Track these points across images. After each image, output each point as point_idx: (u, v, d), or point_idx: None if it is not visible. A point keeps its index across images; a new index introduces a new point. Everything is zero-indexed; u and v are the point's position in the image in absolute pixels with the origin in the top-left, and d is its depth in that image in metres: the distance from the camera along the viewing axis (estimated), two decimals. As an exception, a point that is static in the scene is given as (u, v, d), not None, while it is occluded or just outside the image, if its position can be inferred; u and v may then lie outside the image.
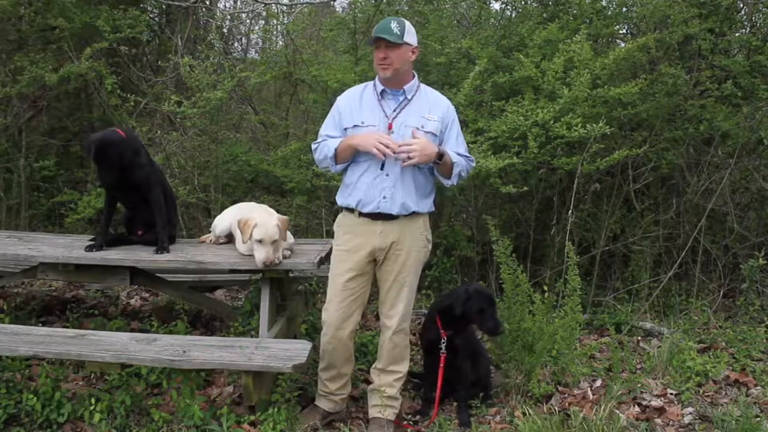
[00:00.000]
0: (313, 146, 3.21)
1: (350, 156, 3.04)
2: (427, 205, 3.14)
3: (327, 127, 3.16)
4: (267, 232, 3.29)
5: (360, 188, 3.04)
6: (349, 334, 3.16)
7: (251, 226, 3.31)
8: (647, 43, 4.53)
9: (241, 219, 3.39)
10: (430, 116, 3.03)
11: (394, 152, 2.89)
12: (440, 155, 2.96)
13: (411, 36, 2.99)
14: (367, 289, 3.17)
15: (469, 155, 3.20)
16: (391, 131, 2.99)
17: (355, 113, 3.06)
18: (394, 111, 3.02)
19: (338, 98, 3.19)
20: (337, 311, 3.13)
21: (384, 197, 3.00)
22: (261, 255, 3.30)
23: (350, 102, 3.11)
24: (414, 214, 3.08)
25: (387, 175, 2.99)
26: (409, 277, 3.13)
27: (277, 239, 3.32)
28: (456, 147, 3.12)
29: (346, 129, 3.08)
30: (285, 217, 3.51)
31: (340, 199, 3.16)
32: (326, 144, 3.10)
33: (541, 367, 3.67)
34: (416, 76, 3.10)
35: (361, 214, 3.07)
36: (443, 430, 3.21)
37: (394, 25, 2.94)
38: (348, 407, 3.40)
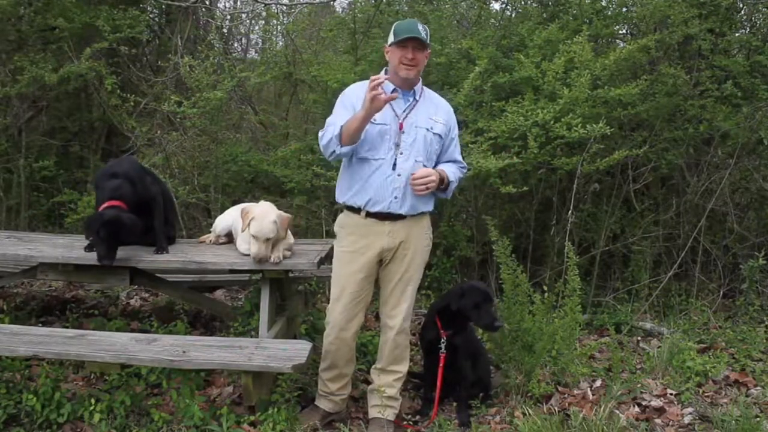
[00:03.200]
0: (320, 133, 3.06)
1: (356, 134, 2.88)
2: (431, 204, 3.17)
3: (339, 115, 3.00)
4: (261, 229, 3.26)
5: (370, 187, 3.00)
6: (352, 335, 3.17)
7: (249, 218, 3.30)
8: (647, 44, 4.53)
9: (244, 207, 3.41)
10: (437, 118, 3.07)
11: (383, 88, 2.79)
12: (441, 180, 3.02)
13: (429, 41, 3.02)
14: (371, 290, 3.18)
15: (462, 162, 3.25)
16: (402, 131, 2.99)
17: None
18: (404, 111, 3.02)
19: (348, 90, 3.11)
20: (342, 312, 3.12)
21: (395, 197, 2.99)
22: (254, 250, 3.29)
23: (360, 96, 3.00)
24: (420, 213, 3.10)
25: (399, 175, 2.97)
26: (414, 275, 3.15)
27: (272, 237, 3.29)
28: (453, 153, 3.18)
29: None
30: (286, 214, 3.45)
31: (343, 197, 3.10)
32: (332, 125, 2.97)
33: (541, 367, 3.67)
34: (420, 78, 3.13)
35: (368, 215, 3.04)
36: (443, 430, 3.21)
37: (420, 27, 2.95)
38: (348, 407, 3.40)
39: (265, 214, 3.30)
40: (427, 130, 3.02)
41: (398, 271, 3.11)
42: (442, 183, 3.04)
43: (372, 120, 2.93)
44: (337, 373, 3.22)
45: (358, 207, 3.05)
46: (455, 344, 3.34)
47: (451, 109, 3.19)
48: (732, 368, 3.95)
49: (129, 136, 5.34)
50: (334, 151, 2.97)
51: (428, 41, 2.98)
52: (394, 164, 2.97)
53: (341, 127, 2.90)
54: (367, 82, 3.08)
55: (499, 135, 4.30)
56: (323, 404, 3.28)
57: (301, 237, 4.58)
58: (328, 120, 3.05)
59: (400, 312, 3.14)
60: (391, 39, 2.98)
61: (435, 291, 4.81)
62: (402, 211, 3.02)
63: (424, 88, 3.15)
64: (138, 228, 3.40)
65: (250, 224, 3.29)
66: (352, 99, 3.02)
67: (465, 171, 3.28)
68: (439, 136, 3.06)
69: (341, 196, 3.13)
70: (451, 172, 3.11)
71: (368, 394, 3.30)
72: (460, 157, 3.22)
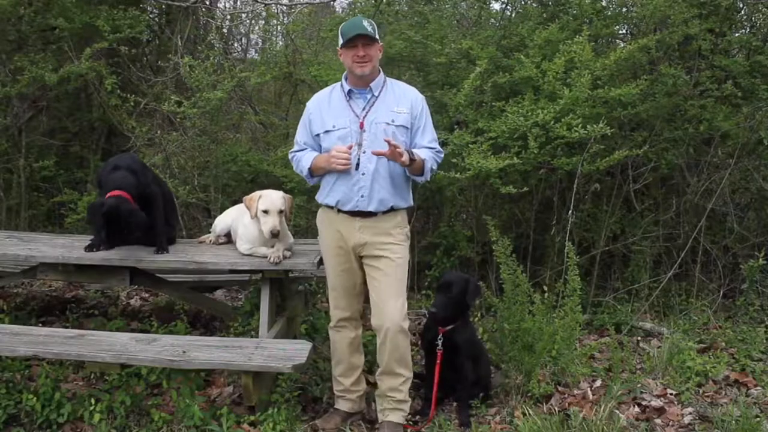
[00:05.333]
0: (290, 155, 3.30)
1: (325, 172, 3.10)
2: (404, 199, 3.15)
3: (300, 133, 3.22)
4: (272, 201, 3.37)
5: (338, 189, 3.07)
6: (351, 325, 3.21)
7: (256, 199, 3.38)
8: (647, 44, 4.53)
9: (245, 198, 3.45)
10: (399, 109, 3.06)
11: (351, 163, 2.96)
12: (411, 153, 2.97)
13: (377, 34, 3.05)
14: (359, 282, 3.18)
15: (436, 147, 3.16)
16: (363, 130, 3.02)
17: (326, 117, 3.09)
18: (363, 110, 3.05)
19: (308, 103, 3.23)
20: (334, 302, 3.22)
21: (362, 196, 3.03)
22: (267, 225, 3.33)
23: (319, 106, 3.14)
24: (392, 210, 3.10)
25: (363, 174, 3.01)
26: (394, 274, 3.10)
27: (283, 210, 3.39)
28: (422, 138, 3.11)
29: (317, 135, 3.12)
30: (289, 195, 3.57)
31: (320, 197, 3.20)
32: (299, 161, 3.19)
33: (541, 367, 3.67)
34: (381, 71, 3.13)
35: (340, 211, 3.11)
36: (443, 430, 3.21)
37: (366, 23, 2.98)
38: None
39: (270, 191, 3.43)
40: (388, 123, 3.02)
41: (377, 270, 3.10)
42: (413, 161, 2.95)
43: (331, 127, 3.07)
44: (346, 366, 3.25)
45: (331, 206, 3.13)
46: (455, 342, 3.33)
47: (418, 97, 3.14)
48: (732, 368, 3.94)
49: (129, 136, 5.34)
50: (305, 178, 3.25)
51: (375, 35, 2.99)
52: (358, 164, 3.00)
53: (309, 169, 3.13)
54: (327, 89, 3.23)
55: (499, 135, 4.30)
56: (342, 405, 3.29)
57: (301, 237, 4.58)
58: (296, 137, 3.25)
59: (386, 313, 3.07)
60: (340, 42, 3.03)
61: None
62: (371, 209, 3.04)
63: (388, 80, 3.15)
64: (139, 219, 3.38)
65: (260, 202, 3.36)
66: (310, 114, 3.17)
67: (441, 155, 3.20)
68: (404, 126, 3.05)
69: (318, 197, 3.22)
70: (425, 154, 3.06)
71: (376, 398, 3.26)
72: (433, 144, 3.14)
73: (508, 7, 5.66)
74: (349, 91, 3.08)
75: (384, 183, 3.04)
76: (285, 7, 6.22)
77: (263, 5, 5.96)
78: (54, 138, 6.01)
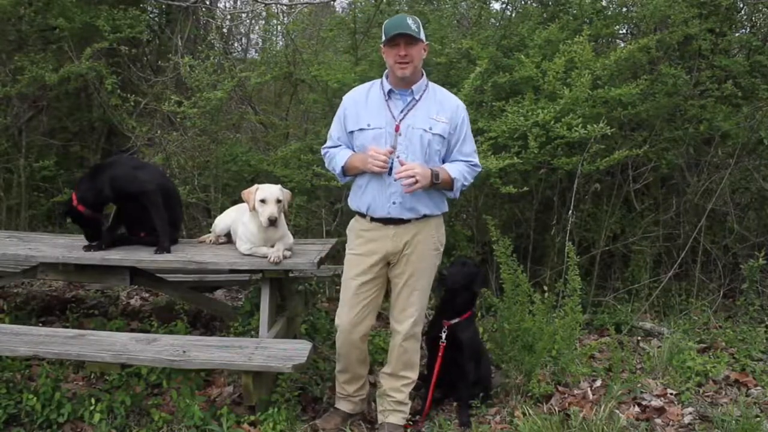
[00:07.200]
0: (323, 151, 3.20)
1: (358, 172, 3.03)
2: (438, 207, 3.08)
3: (335, 128, 3.13)
4: (270, 190, 3.39)
5: (369, 193, 3.00)
6: (361, 338, 3.14)
7: (253, 191, 3.40)
8: (647, 44, 4.54)
9: (244, 192, 3.47)
10: (438, 117, 2.96)
11: (388, 166, 2.89)
12: (436, 175, 2.90)
13: (423, 33, 2.96)
14: (380, 294, 3.14)
15: (473, 160, 3.09)
16: (398, 133, 2.94)
17: (361, 115, 3.00)
18: (402, 112, 2.96)
19: (344, 98, 3.13)
20: (348, 315, 3.09)
21: (393, 202, 2.96)
22: (265, 213, 3.34)
23: (356, 103, 3.05)
24: (425, 216, 3.03)
25: (395, 179, 2.91)
26: (420, 281, 3.08)
27: (281, 200, 3.40)
28: (459, 151, 3.03)
29: (351, 132, 3.03)
30: (288, 191, 3.58)
31: (352, 203, 3.12)
32: (333, 158, 3.09)
33: (541, 367, 3.68)
34: (424, 74, 3.05)
35: (372, 219, 3.03)
36: (443, 430, 3.21)
37: (410, 21, 2.89)
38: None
39: (267, 184, 3.47)
40: (425, 130, 2.93)
41: (403, 275, 3.06)
42: (438, 179, 2.90)
43: (366, 125, 2.98)
44: (352, 375, 3.23)
45: (363, 212, 3.06)
46: (459, 338, 3.32)
47: (460, 106, 3.06)
48: (732, 368, 3.94)
49: (129, 136, 5.35)
50: (337, 177, 3.17)
51: (420, 34, 2.89)
52: (391, 168, 2.90)
53: (342, 167, 3.05)
54: (366, 85, 3.13)
55: (499, 135, 4.30)
56: (343, 406, 3.28)
57: (301, 237, 4.59)
58: (330, 131, 3.16)
59: (407, 317, 3.08)
60: (382, 39, 2.95)
61: (435, 291, 4.79)
62: (404, 216, 2.98)
63: (431, 85, 3.06)
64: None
65: (257, 193, 3.38)
66: (345, 110, 3.08)
67: (477, 170, 3.13)
68: (441, 136, 2.96)
69: (351, 201, 3.15)
70: (456, 170, 2.99)
71: (377, 398, 3.26)
72: (471, 157, 3.08)
73: (508, 7, 5.66)
74: (389, 91, 2.98)
75: (417, 191, 2.92)
76: (285, 7, 6.21)
77: (263, 5, 5.96)
78: (54, 138, 6.02)
